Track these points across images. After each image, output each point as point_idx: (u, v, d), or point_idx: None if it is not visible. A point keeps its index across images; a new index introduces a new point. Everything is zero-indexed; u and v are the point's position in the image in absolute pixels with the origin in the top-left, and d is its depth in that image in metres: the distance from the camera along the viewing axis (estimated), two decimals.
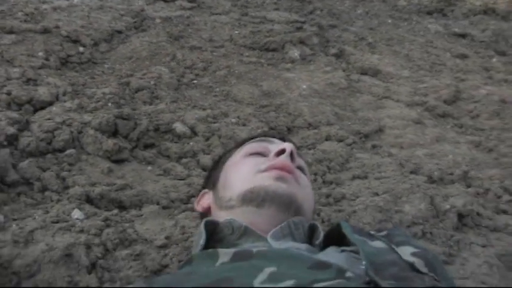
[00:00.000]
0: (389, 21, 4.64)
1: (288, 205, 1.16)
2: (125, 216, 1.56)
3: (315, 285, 0.83)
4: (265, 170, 1.21)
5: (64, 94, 2.12)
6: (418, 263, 1.02)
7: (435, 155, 2.38)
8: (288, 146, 1.26)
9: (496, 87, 3.32)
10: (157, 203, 1.68)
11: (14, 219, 1.44)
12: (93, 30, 2.95)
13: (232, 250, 1.04)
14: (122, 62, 2.77)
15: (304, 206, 1.21)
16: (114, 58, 2.80)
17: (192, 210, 1.64)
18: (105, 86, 2.34)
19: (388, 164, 2.16)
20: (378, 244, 1.09)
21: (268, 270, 0.90)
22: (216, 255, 1.04)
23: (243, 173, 1.25)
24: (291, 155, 1.26)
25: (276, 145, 1.34)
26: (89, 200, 1.60)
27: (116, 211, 1.57)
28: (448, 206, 1.79)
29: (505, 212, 1.97)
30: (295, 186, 1.20)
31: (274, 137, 1.43)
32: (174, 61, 2.87)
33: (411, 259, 1.03)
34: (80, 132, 1.88)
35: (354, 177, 2.05)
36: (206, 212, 1.37)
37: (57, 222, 1.44)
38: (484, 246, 1.71)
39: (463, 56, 3.90)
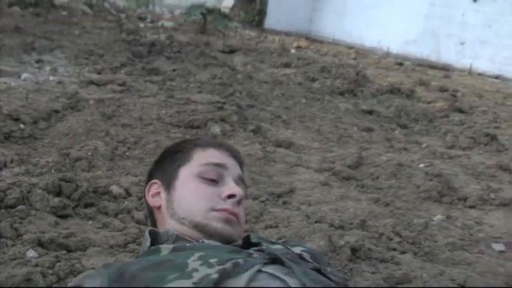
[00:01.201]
0: (304, 101, 5.19)
1: (228, 241, 1.48)
2: (72, 255, 1.89)
3: (232, 260, 1.20)
4: (218, 210, 1.49)
5: (11, 162, 2.45)
6: (306, 255, 1.40)
7: (338, 209, 2.80)
8: (238, 193, 1.52)
9: (395, 154, 3.85)
10: (99, 247, 2.01)
11: None
12: (32, 109, 3.30)
13: (171, 246, 1.37)
14: (61, 137, 3.12)
15: (238, 237, 1.56)
16: (53, 134, 3.14)
17: (130, 251, 1.98)
18: (48, 156, 2.68)
19: (296, 216, 2.56)
20: (277, 246, 1.46)
21: (198, 254, 1.25)
22: (158, 250, 1.37)
23: (199, 204, 1.50)
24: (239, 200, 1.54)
25: (228, 181, 1.56)
26: (41, 244, 1.92)
27: (64, 252, 1.89)
28: (343, 242, 2.20)
29: (394, 249, 2.40)
30: (237, 227, 1.53)
31: (230, 156, 1.64)
32: (108, 136, 3.24)
33: (300, 252, 1.41)
34: (29, 192, 2.21)
35: (266, 227, 2.44)
36: (155, 209, 1.62)
37: (14, 259, 1.76)
38: (373, 273, 2.12)
39: (369, 129, 4.45)
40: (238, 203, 1.53)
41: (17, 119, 3.12)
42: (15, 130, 2.97)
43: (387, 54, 10.98)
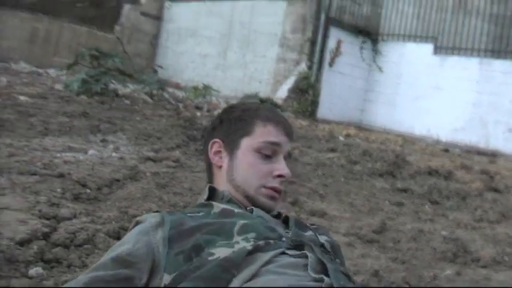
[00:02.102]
0: (342, 179, 5.66)
1: (270, 212, 1.76)
2: None
3: (266, 239, 1.49)
4: (267, 188, 1.76)
5: (80, 214, 3.01)
6: (327, 245, 1.64)
7: (357, 264, 3.22)
8: (286, 175, 1.78)
9: (420, 224, 4.25)
10: None
11: None
12: (97, 177, 3.89)
13: (222, 206, 1.65)
14: (121, 200, 3.68)
15: (279, 208, 1.83)
16: (114, 198, 3.71)
17: None
18: (109, 212, 3.24)
19: None
20: (309, 232, 1.69)
21: (242, 222, 1.53)
22: (211, 206, 1.66)
23: (254, 180, 1.76)
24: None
25: (280, 159, 1.80)
26: None
27: None
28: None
29: None
30: (278, 201, 1.80)
31: (284, 134, 1.83)
32: (161, 201, 3.78)
33: (323, 242, 1.65)
34: (93, 235, 2.75)
35: None
36: (215, 166, 1.85)
37: None
38: None
39: (399, 204, 4.87)
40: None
41: (84, 185, 3.70)
42: (82, 193, 3.55)
43: (436, 142, 11.39)
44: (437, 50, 12.76)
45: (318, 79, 13.49)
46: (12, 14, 15.13)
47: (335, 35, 13.61)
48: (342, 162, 6.74)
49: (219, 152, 1.83)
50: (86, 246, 2.67)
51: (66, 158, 4.27)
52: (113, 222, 3.04)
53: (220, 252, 1.42)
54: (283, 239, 1.54)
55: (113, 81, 9.31)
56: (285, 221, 1.74)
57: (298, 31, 14.04)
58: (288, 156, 1.84)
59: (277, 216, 1.79)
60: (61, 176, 3.69)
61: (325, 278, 1.38)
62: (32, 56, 14.84)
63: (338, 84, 13.72)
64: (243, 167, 1.77)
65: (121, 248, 1.51)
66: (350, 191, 5.08)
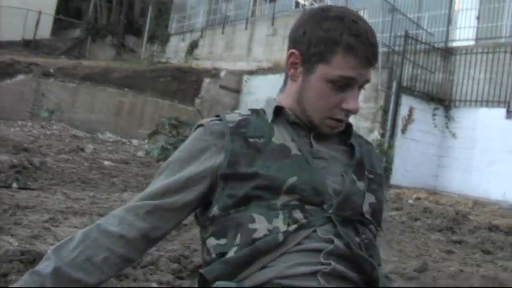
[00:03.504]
0: (398, 232, 6.00)
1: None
2: None
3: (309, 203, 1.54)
4: (333, 119, 1.66)
5: None
6: (367, 211, 1.63)
7: None
8: (355, 111, 1.66)
9: (463, 267, 4.55)
10: None
11: None
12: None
13: (281, 139, 1.63)
14: (185, 241, 4.22)
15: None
16: (180, 238, 4.26)
17: None
18: (174, 246, 3.77)
19: None
20: (361, 185, 1.66)
21: (291, 181, 1.54)
22: (272, 130, 1.65)
23: (322, 110, 1.66)
24: None
25: (352, 94, 1.65)
26: (161, 284, 2.97)
27: None
28: None
29: None
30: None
31: (364, 68, 1.64)
32: None
33: (366, 209, 1.63)
34: (157, 259, 3.29)
35: None
36: (290, 77, 1.75)
37: None
38: None
39: (450, 252, 5.17)
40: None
41: None
42: None
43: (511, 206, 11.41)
44: (510, 114, 12.91)
45: (391, 146, 13.78)
46: (101, 89, 16.45)
47: (407, 102, 13.96)
48: (403, 219, 7.06)
49: (296, 63, 1.71)
50: (150, 266, 3.21)
51: None
52: (175, 252, 3.58)
53: (260, 227, 1.50)
54: (325, 206, 1.55)
55: None
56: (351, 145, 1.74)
57: (370, 100, 14.49)
58: (362, 87, 1.71)
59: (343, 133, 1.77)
60: None
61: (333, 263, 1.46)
62: (117, 127, 16.01)
63: (411, 151, 13.96)
64: (313, 94, 1.67)
65: (183, 171, 1.62)
66: (402, 240, 5.42)
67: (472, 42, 14.69)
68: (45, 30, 27.26)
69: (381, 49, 13.10)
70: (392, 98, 14.03)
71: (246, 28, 21.31)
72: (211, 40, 22.81)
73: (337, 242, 1.49)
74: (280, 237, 1.48)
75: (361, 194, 1.64)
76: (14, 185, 4.78)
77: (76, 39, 28.45)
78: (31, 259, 2.76)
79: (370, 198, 1.66)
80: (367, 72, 1.66)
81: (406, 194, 11.00)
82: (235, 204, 1.55)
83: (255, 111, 1.75)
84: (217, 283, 1.44)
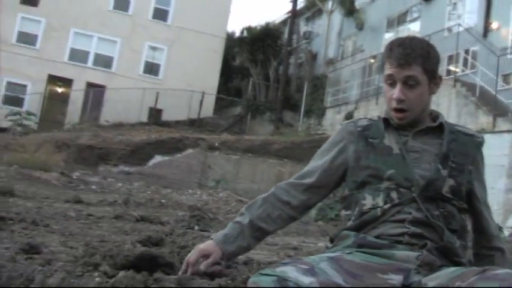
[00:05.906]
0: None
1: (403, 126, 2.21)
2: None
3: (399, 186, 2.08)
4: (392, 109, 2.17)
5: None
6: (447, 191, 2.10)
7: None
8: (396, 99, 2.13)
9: None
10: None
11: None
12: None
13: (387, 144, 2.16)
14: None
15: (411, 119, 2.20)
16: None
17: None
18: None
19: None
20: (444, 171, 2.13)
21: (389, 173, 2.09)
22: (383, 135, 2.19)
23: (387, 103, 2.19)
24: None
25: (397, 86, 2.13)
26: None
27: None
28: None
29: None
30: (406, 114, 2.16)
31: (396, 67, 2.13)
32: None
33: (446, 190, 2.10)
34: None
35: None
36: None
37: None
38: None
39: None
40: (401, 100, 2.14)
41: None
42: None
43: None
44: None
45: None
46: (262, 160, 17.69)
47: None
48: None
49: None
50: None
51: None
52: None
53: (367, 203, 2.10)
54: (413, 188, 2.06)
55: None
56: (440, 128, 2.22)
57: None
58: (408, 79, 2.13)
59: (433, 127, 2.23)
60: None
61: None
62: None
63: None
64: (385, 94, 2.23)
65: (326, 157, 2.30)
66: None
67: None
68: (208, 109, 29.38)
69: None
70: None
71: None
72: (365, 111, 23.33)
73: (415, 214, 2.02)
74: (379, 212, 2.06)
75: (443, 179, 2.10)
76: (196, 227, 5.69)
77: (237, 116, 30.15)
78: None
79: (450, 182, 2.11)
80: (403, 70, 2.11)
81: None
82: (357, 187, 2.17)
83: (380, 118, 2.27)
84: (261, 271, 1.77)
